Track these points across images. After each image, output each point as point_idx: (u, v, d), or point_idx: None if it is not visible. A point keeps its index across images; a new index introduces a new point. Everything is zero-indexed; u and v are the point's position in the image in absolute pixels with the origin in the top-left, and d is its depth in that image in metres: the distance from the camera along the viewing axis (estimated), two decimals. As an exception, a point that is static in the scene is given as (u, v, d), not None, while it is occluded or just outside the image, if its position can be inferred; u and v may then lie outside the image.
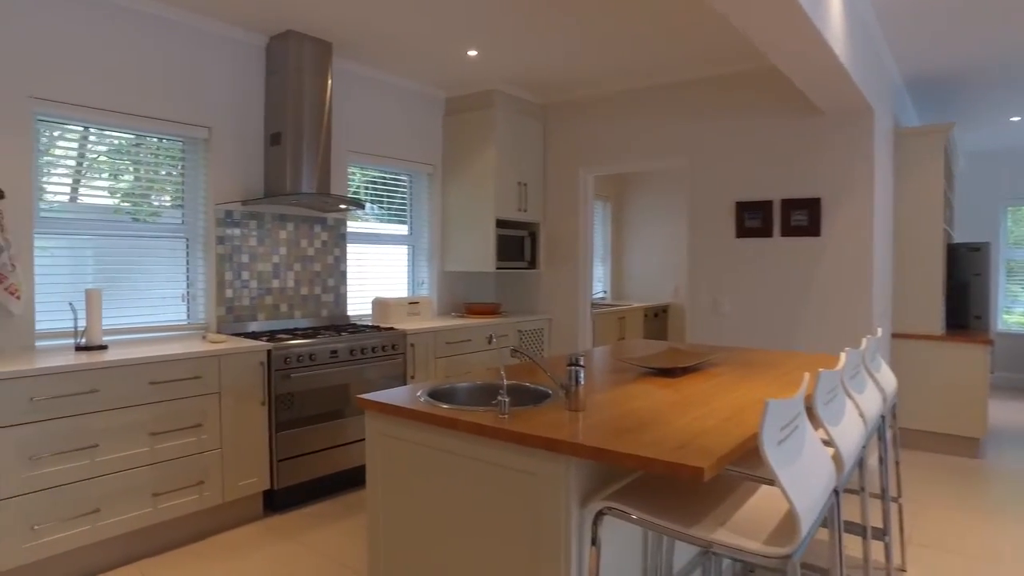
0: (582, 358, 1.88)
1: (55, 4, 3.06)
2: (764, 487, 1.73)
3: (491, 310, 4.93)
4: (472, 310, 4.92)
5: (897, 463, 2.79)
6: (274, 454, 3.32)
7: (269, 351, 3.29)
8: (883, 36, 3.92)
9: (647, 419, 1.80)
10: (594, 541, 1.59)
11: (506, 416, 1.82)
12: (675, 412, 1.88)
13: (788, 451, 1.38)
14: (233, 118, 3.75)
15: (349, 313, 4.45)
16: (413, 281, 5.04)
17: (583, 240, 5.13)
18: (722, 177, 4.43)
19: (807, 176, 4.12)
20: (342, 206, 3.95)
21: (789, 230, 4.18)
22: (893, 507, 3.25)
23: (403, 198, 4.97)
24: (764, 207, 4.27)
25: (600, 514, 1.60)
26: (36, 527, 2.56)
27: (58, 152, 3.20)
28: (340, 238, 4.34)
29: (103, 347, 3.00)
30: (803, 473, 1.39)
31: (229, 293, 3.74)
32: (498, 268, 4.89)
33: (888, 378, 2.59)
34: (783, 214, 4.20)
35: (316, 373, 3.48)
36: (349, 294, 4.46)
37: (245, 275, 3.82)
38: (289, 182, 3.72)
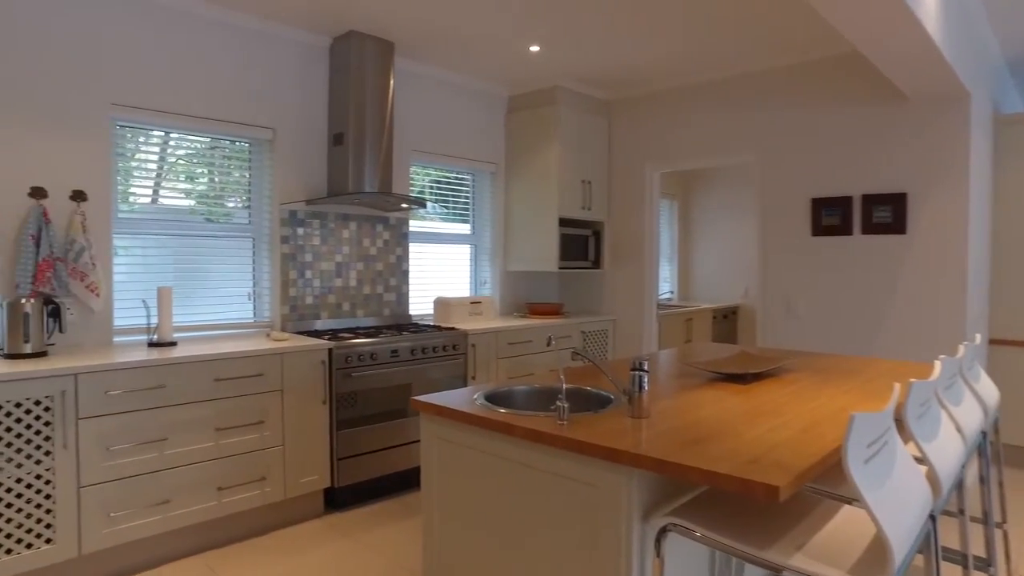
0: (646, 362, 1.77)
1: (131, 15, 3.18)
2: (847, 507, 1.58)
3: (554, 310, 4.85)
4: (535, 310, 4.85)
5: (1000, 484, 2.54)
6: (334, 452, 3.34)
7: (330, 350, 3.31)
8: (984, 13, 3.61)
9: (715, 429, 1.67)
10: (659, 556, 1.49)
11: (565, 423, 1.74)
12: (746, 422, 1.75)
13: (877, 470, 1.23)
14: (297, 119, 3.81)
15: (411, 312, 4.46)
16: (475, 281, 5.01)
17: (649, 239, 4.97)
18: (797, 172, 4.19)
19: (891, 169, 3.84)
20: (404, 205, 3.95)
21: (871, 227, 3.91)
22: (997, 533, 2.96)
23: (466, 197, 4.94)
24: (843, 203, 4.00)
25: (664, 530, 1.49)
26: (113, 514, 2.65)
27: (140, 156, 3.32)
28: (402, 237, 4.35)
29: (172, 344, 3.09)
30: (894, 495, 1.24)
31: (293, 292, 3.80)
32: (561, 268, 4.80)
33: (989, 389, 2.35)
34: (864, 210, 3.93)
35: (377, 372, 3.48)
36: (411, 293, 4.47)
37: (308, 274, 3.87)
38: (351, 181, 3.74)
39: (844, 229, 4.01)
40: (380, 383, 3.51)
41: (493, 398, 2.09)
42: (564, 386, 1.87)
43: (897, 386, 1.41)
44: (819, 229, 4.11)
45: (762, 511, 1.56)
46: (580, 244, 4.95)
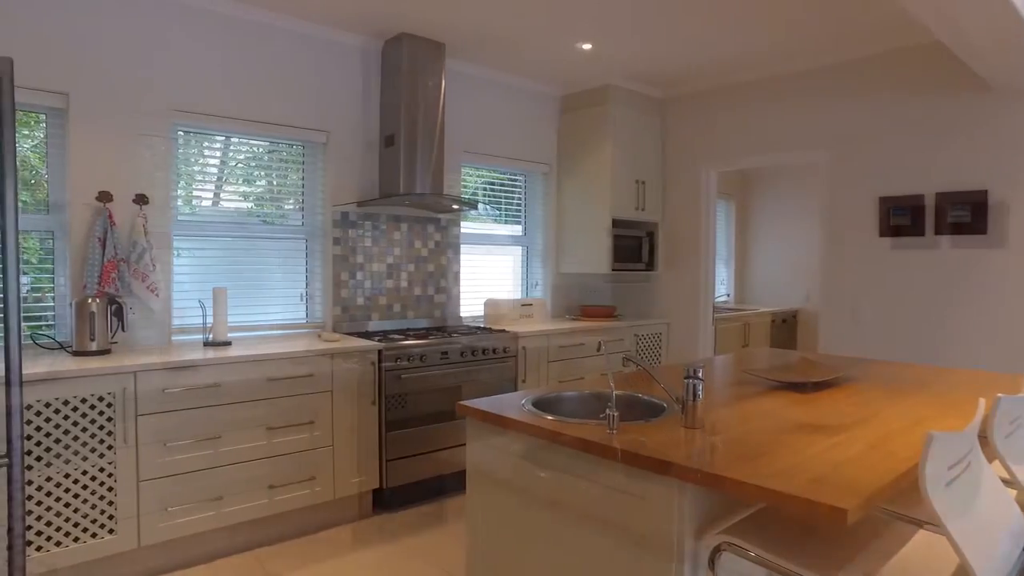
0: (700, 369, 1.68)
1: (191, 22, 3.26)
2: (922, 531, 1.46)
3: (606, 313, 4.75)
4: (587, 313, 4.76)
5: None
6: (384, 454, 3.35)
7: (380, 351, 3.32)
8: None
9: (775, 442, 1.57)
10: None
11: (614, 432, 1.67)
12: (808, 436, 1.64)
13: (959, 495, 1.12)
14: (350, 122, 3.84)
15: (461, 314, 4.45)
16: (527, 282, 4.96)
17: (705, 241, 4.82)
18: (863, 170, 3.98)
19: (969, 165, 3.60)
20: (455, 206, 3.93)
21: (946, 228, 3.67)
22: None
23: (517, 198, 4.90)
24: (914, 202, 3.78)
25: (718, 549, 1.41)
26: (170, 509, 2.71)
27: (202, 160, 3.42)
28: (453, 239, 4.34)
29: (227, 343, 3.16)
30: (980, 523, 1.13)
31: (344, 293, 3.83)
32: (614, 270, 4.70)
33: (1081, 404, 2.15)
34: (938, 210, 3.70)
35: (426, 374, 3.47)
36: (462, 295, 4.46)
37: (360, 275, 3.90)
38: (403, 183, 3.75)
39: (915, 230, 3.78)
40: (429, 385, 3.50)
41: (541, 404, 2.03)
42: (614, 393, 1.80)
43: (983, 401, 1.28)
44: (887, 229, 3.89)
45: (826, 532, 1.45)
46: (634, 246, 4.84)
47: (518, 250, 4.94)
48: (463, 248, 4.46)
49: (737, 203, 6.99)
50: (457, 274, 4.37)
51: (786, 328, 6.43)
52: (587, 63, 4.32)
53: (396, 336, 3.63)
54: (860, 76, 3.99)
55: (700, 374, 1.68)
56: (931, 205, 3.74)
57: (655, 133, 4.97)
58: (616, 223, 4.79)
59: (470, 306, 4.56)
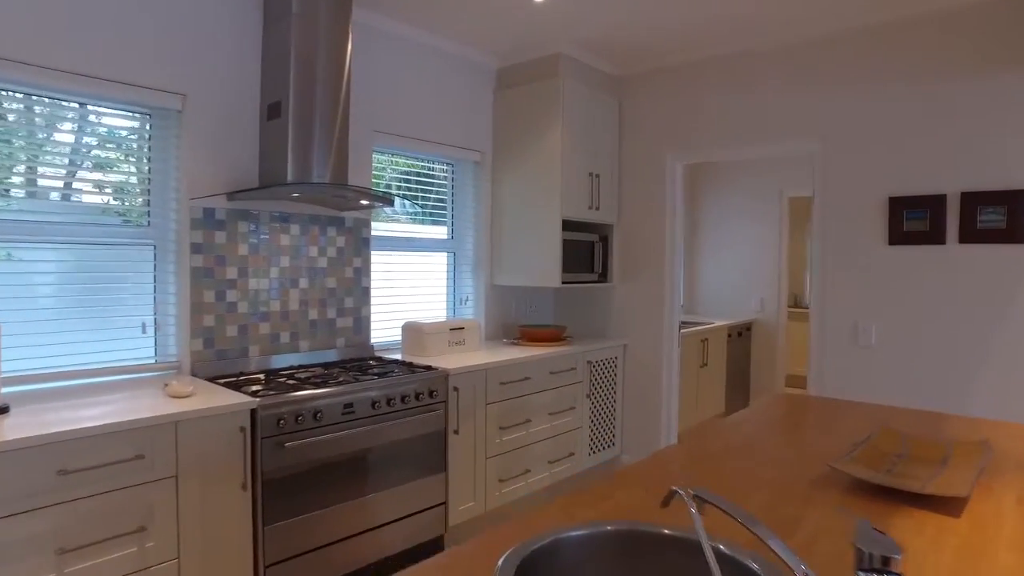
0: (895, 556, 0.80)
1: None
2: None
3: (553, 336, 3.87)
4: (529, 336, 3.86)
5: None
6: (261, 557, 2.30)
7: (254, 410, 2.28)
8: None
9: None
10: None
11: None
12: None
13: None
14: (217, 82, 2.76)
15: (373, 342, 3.43)
16: (454, 298, 4.00)
17: (671, 246, 4.03)
18: (868, 164, 3.30)
19: (1003, 159, 2.96)
20: (365, 202, 2.93)
21: (973, 234, 3.03)
22: None
23: (441, 193, 3.94)
24: (933, 203, 3.12)
25: None
26: None
27: (-40, 123, 2.24)
28: (362, 244, 3.32)
29: (2, 410, 2.02)
30: None
31: (208, 321, 2.74)
32: (565, 283, 3.83)
33: None
34: (964, 212, 3.05)
35: (323, 439, 2.45)
36: (373, 316, 3.44)
37: (231, 295, 2.82)
38: (293, 169, 2.71)
39: (935, 236, 3.13)
40: (328, 452, 2.49)
41: (530, 567, 1.09)
42: (709, 548, 0.89)
43: None
44: (899, 236, 3.21)
45: None
46: (585, 253, 3.98)
47: (443, 258, 3.97)
48: (375, 256, 3.45)
49: (685, 202, 6.31)
50: (367, 290, 3.35)
51: (741, 341, 5.80)
52: (534, 25, 3.42)
53: (283, 377, 2.59)
54: (864, 50, 3.30)
55: (895, 565, 0.80)
56: (955, 207, 3.09)
57: (611, 117, 4.14)
58: (565, 225, 3.92)
59: (385, 331, 3.56)
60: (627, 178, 4.18)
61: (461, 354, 3.40)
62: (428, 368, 2.95)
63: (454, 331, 3.44)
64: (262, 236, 2.92)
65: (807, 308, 7.10)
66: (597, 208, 4.01)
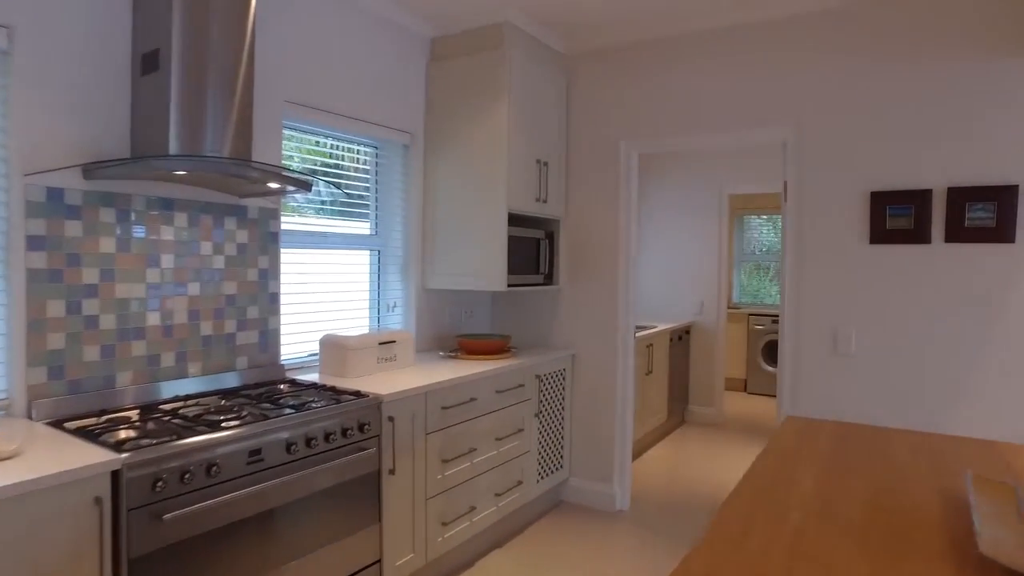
0: None
1: None
2: None
3: (497, 348, 3.35)
4: (470, 347, 3.32)
5: None
6: (129, 675, 1.65)
7: (117, 472, 1.62)
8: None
9: None
10: None
11: None
12: None
13: None
14: (63, 14, 2.05)
15: (284, 361, 2.80)
16: (380, 306, 3.41)
17: (625, 243, 3.62)
18: (848, 154, 3.01)
19: (995, 151, 2.74)
20: (274, 185, 2.30)
21: (961, 233, 2.79)
22: None
23: (364, 180, 3.33)
24: (918, 199, 2.86)
25: None
26: None
27: None
28: (269, 240, 2.67)
29: None
30: None
31: (56, 341, 2.03)
32: (511, 286, 3.33)
33: None
34: (951, 209, 2.81)
35: (220, 501, 1.82)
36: (284, 329, 2.80)
37: (91, 306, 2.12)
38: (177, 136, 2.05)
39: (919, 235, 2.87)
40: (227, 517, 1.86)
41: None
42: None
43: None
44: (881, 234, 2.94)
45: None
46: (529, 251, 3.50)
47: (366, 257, 3.38)
48: (285, 255, 2.81)
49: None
50: (276, 297, 2.71)
51: (681, 345, 5.52)
52: (480, -21, 2.89)
53: (165, 415, 1.94)
54: (845, 28, 3.01)
55: None
56: (941, 203, 2.84)
57: (559, 99, 3.67)
58: (510, 219, 3.43)
59: (297, 346, 2.92)
60: (576, 167, 3.73)
61: (393, 373, 2.83)
62: (357, 395, 2.36)
63: (384, 346, 2.86)
64: (135, 228, 2.22)
65: (737, 308, 6.99)
66: (544, 200, 3.54)
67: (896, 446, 1.82)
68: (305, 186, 2.29)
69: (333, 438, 2.15)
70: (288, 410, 2.09)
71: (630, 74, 3.55)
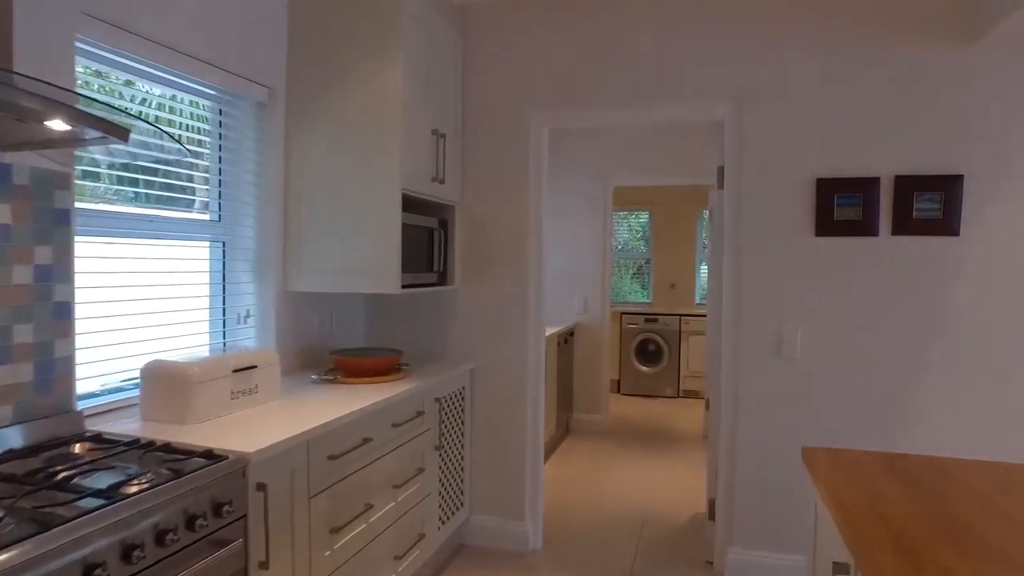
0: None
1: None
2: None
3: (388, 366, 2.62)
4: (351, 367, 2.56)
5: None
6: None
7: None
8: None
9: None
10: None
11: None
12: None
13: None
14: None
15: (83, 404, 1.86)
16: (226, 315, 2.54)
17: (536, 235, 3.07)
18: (792, 137, 2.70)
19: (942, 139, 2.55)
20: (60, 125, 1.42)
21: (908, 225, 2.58)
22: None
23: (205, 150, 2.45)
24: (865, 188, 2.61)
25: None
26: None
27: None
28: (53, 220, 1.74)
29: None
30: None
31: None
32: (405, 287, 2.63)
33: None
34: (898, 199, 2.58)
35: None
36: (81, 356, 1.86)
37: None
38: None
39: (866, 227, 2.62)
40: None
41: None
42: None
43: None
44: (828, 226, 2.66)
45: None
46: (422, 244, 2.82)
47: (206, 251, 2.50)
48: (82, 244, 1.88)
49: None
50: (68, 308, 1.78)
51: (567, 349, 5.10)
52: None
53: None
54: (796, 4, 2.69)
55: None
56: (888, 193, 2.61)
57: (455, 59, 3.02)
58: (404, 204, 2.73)
59: (102, 379, 2.00)
60: (475, 143, 3.10)
61: (255, 411, 2.02)
62: (209, 456, 1.55)
63: (241, 374, 2.03)
64: None
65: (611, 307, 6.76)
66: (442, 181, 2.87)
67: (977, 482, 1.43)
68: (118, 133, 1.43)
69: (173, 538, 1.34)
70: (90, 501, 1.25)
71: (542, 33, 2.99)
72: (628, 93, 2.87)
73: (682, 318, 6.58)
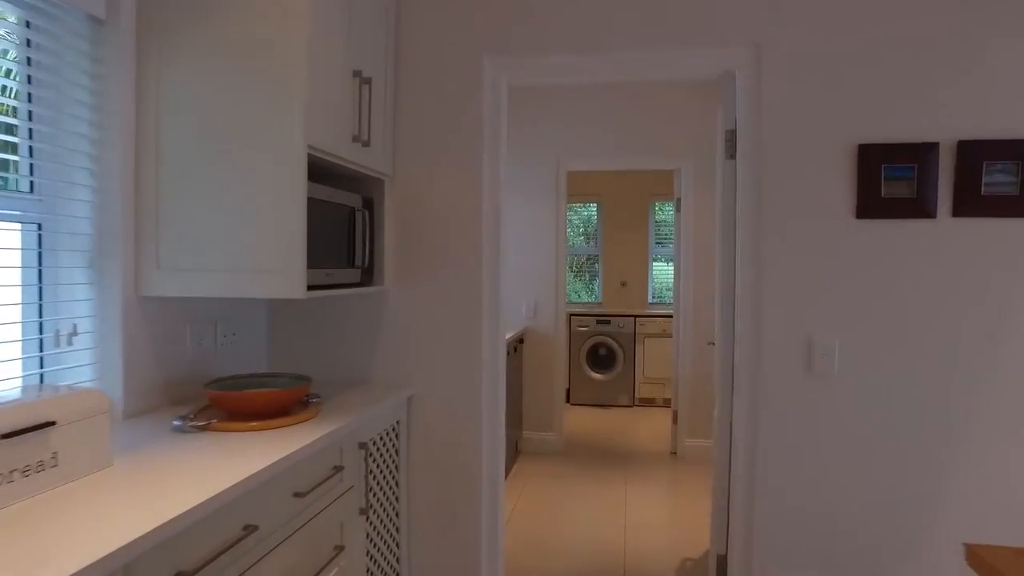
0: None
1: None
2: None
3: (287, 401, 1.83)
4: (233, 406, 1.76)
5: None
6: None
7: None
8: None
9: None
10: None
11: None
12: None
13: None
14: None
15: None
16: (41, 332, 1.70)
17: (492, 219, 2.35)
18: (829, 92, 2.09)
19: (1021, 95, 2.00)
20: None
21: (976, 203, 2.02)
22: None
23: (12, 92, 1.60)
24: (921, 156, 2.04)
25: None
26: None
27: None
28: None
29: None
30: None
31: None
32: (313, 287, 1.85)
33: None
34: (962, 171, 2.02)
35: None
36: None
37: None
38: None
39: (921, 206, 2.04)
40: None
41: None
42: None
43: None
44: (873, 206, 2.06)
45: None
46: (338, 229, 2.06)
47: (15, 236, 1.65)
48: None
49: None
50: None
51: (515, 359, 4.40)
52: None
53: None
54: (817, -93, 2.07)
55: None
56: (948, 161, 2.04)
57: (382, -19, 2.26)
58: (311, 170, 1.96)
59: None
60: (412, 98, 2.35)
61: (44, 503, 1.20)
62: None
63: (20, 439, 1.20)
64: None
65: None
66: (367, 143, 2.10)
67: None
68: None
69: None
70: None
71: (497, -46, 2.27)
72: (609, 34, 2.20)
73: (636, 319, 6.01)
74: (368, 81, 2.09)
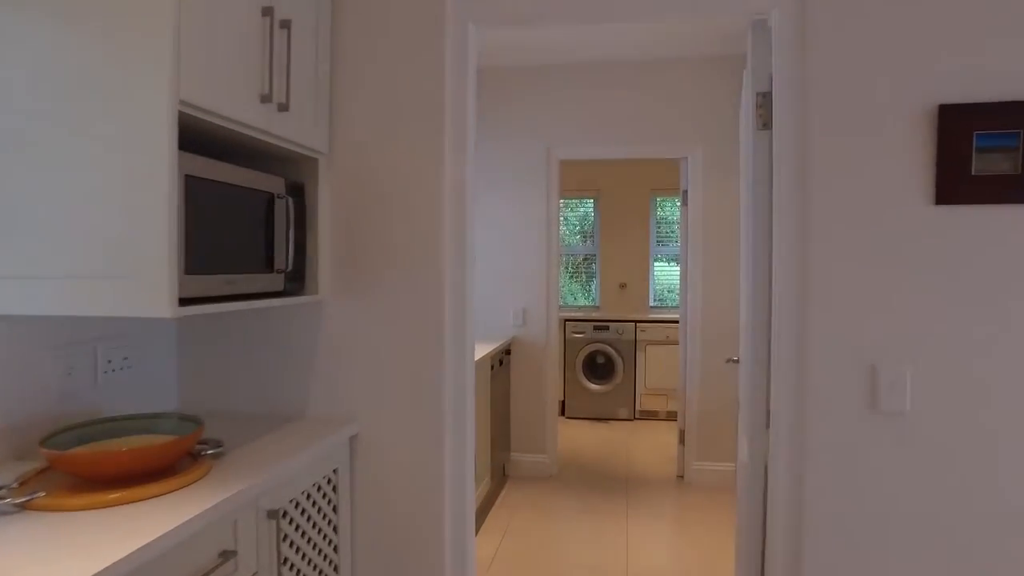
0: None
1: None
2: None
3: (163, 458, 1.32)
4: (81, 469, 1.24)
5: None
6: None
7: None
8: None
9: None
10: None
11: None
12: None
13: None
14: None
15: None
16: None
17: (457, 208, 1.83)
18: (896, 37, 1.57)
19: None
20: None
21: (1097, 184, 1.50)
22: None
23: None
24: (1022, 119, 1.52)
25: None
26: None
27: None
28: None
29: None
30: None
31: None
32: (198, 300, 1.33)
33: None
34: (1078, 140, 1.51)
35: None
36: None
37: None
38: None
39: (1019, 187, 1.53)
40: None
41: None
42: None
43: None
44: (959, 187, 1.55)
45: None
46: (252, 222, 1.53)
47: None
48: None
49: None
50: None
51: (502, 373, 3.88)
52: None
53: None
54: None
55: None
56: (1064, 126, 1.52)
57: (309, -102, 1.74)
58: (193, 139, 1.44)
59: None
60: (353, 51, 1.83)
61: None
62: None
63: None
64: None
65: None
66: (284, 106, 1.57)
67: None
68: None
69: None
70: None
71: None
72: (611, -36, 1.68)
73: (637, 325, 5.49)
74: (287, 24, 1.57)
